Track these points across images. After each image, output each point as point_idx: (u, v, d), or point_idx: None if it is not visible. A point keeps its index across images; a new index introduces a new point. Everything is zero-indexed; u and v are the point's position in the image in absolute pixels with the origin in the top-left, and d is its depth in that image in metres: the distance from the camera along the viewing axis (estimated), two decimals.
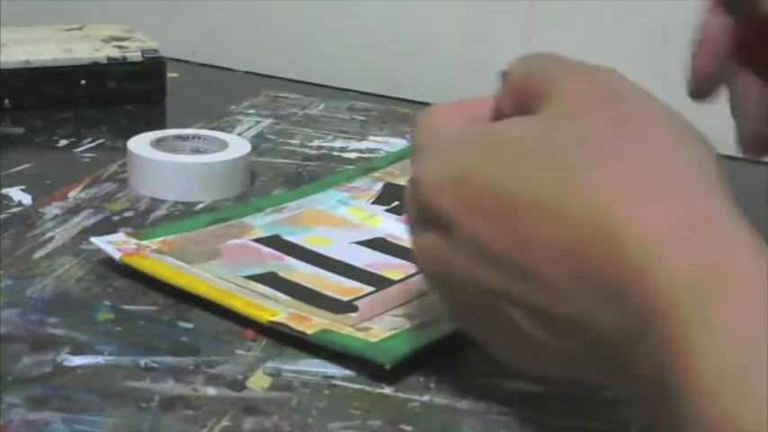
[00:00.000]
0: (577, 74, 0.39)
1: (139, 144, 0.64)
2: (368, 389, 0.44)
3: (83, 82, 0.79)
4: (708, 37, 0.49)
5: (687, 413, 0.30)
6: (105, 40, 0.83)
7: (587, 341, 0.35)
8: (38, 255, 0.54)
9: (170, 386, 0.43)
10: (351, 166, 0.69)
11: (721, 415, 0.30)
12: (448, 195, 0.38)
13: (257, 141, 0.73)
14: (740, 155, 0.52)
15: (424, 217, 0.40)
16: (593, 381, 0.40)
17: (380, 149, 0.73)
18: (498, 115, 0.41)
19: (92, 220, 0.59)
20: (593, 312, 0.34)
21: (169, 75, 0.83)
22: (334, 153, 0.72)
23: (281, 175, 0.67)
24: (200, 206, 0.62)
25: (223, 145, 0.66)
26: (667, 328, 0.32)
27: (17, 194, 0.62)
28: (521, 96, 0.40)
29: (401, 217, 0.49)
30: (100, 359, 0.45)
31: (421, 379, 0.45)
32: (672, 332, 0.31)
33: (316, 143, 0.74)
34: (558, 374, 0.40)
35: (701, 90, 0.50)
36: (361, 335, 0.46)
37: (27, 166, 0.67)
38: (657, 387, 0.32)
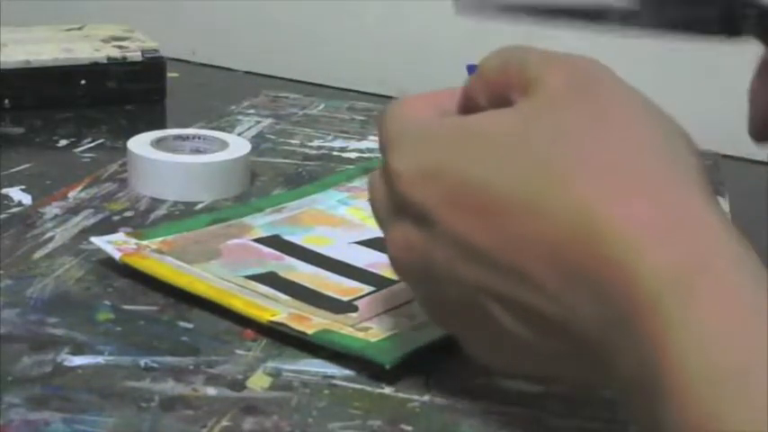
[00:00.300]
0: (557, 65, 0.38)
1: (139, 144, 0.64)
2: (368, 389, 0.44)
3: (83, 82, 0.79)
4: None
5: (668, 411, 0.30)
6: (105, 40, 0.83)
7: (570, 339, 0.35)
8: (38, 255, 0.54)
9: (170, 386, 0.43)
10: (351, 166, 0.69)
11: (702, 413, 0.29)
12: (425, 189, 0.37)
13: (257, 141, 0.73)
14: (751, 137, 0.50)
15: (399, 208, 0.39)
16: (574, 379, 0.40)
17: None
18: (469, 107, 0.40)
19: (92, 220, 0.59)
20: (578, 310, 0.34)
21: (169, 75, 0.83)
22: (334, 153, 0.72)
23: (281, 175, 0.67)
24: (200, 206, 0.62)
25: (223, 145, 0.66)
26: (648, 325, 0.32)
27: (17, 194, 0.62)
28: (497, 89, 0.39)
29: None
30: (100, 359, 0.45)
31: (421, 379, 0.45)
32: (653, 329, 0.31)
33: (316, 143, 0.74)
34: (538, 372, 0.40)
35: (760, 132, 0.47)
36: (360, 335, 0.46)
37: (27, 166, 0.67)
38: (639, 386, 0.32)
